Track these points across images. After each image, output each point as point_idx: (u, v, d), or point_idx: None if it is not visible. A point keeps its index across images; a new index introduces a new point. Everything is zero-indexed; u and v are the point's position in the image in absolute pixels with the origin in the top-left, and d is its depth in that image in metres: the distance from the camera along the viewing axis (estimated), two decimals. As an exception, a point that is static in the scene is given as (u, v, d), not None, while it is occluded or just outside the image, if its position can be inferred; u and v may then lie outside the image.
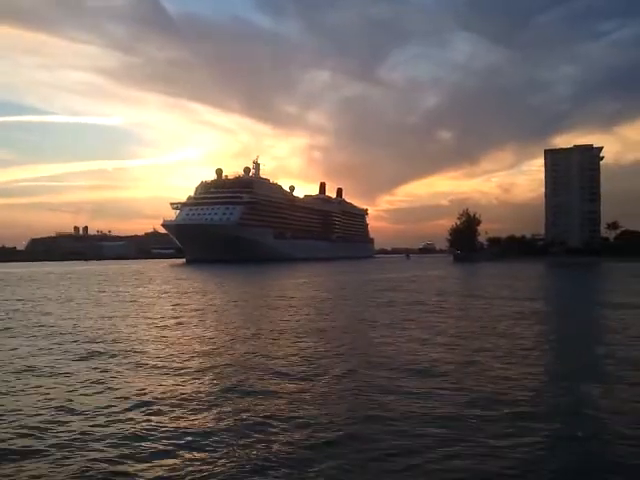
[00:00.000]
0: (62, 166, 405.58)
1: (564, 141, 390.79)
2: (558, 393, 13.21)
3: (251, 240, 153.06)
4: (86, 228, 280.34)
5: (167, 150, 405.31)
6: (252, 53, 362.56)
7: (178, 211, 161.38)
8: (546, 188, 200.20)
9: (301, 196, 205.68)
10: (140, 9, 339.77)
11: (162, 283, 60.75)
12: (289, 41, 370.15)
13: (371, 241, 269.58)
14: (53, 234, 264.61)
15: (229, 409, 11.82)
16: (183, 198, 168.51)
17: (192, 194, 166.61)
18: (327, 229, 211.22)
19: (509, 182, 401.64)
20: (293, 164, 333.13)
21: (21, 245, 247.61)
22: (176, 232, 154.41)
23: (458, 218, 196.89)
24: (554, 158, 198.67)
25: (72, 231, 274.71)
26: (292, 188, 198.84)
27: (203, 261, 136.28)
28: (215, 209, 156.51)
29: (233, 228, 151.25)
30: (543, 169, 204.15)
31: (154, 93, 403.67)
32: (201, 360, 16.83)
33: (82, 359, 17.11)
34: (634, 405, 11.95)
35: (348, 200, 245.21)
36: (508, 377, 14.47)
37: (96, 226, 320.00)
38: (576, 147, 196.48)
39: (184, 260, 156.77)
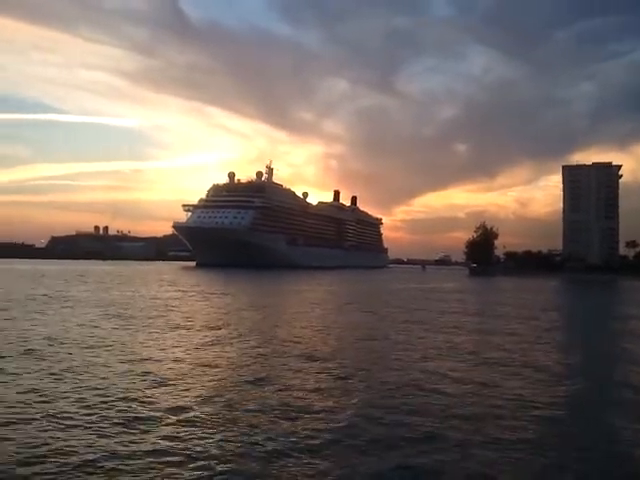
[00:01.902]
0: (79, 165, 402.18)
1: (581, 158, 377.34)
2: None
3: (262, 246, 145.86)
4: (106, 228, 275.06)
5: (184, 153, 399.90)
6: (271, 60, 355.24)
7: (190, 213, 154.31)
8: (564, 204, 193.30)
9: (314, 203, 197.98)
10: (160, 13, 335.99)
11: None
12: (308, 50, 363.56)
13: (385, 251, 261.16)
14: (73, 233, 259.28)
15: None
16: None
17: (204, 197, 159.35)
18: (340, 237, 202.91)
19: (526, 197, 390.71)
20: (309, 171, 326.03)
21: (40, 243, 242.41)
22: (187, 234, 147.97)
23: (475, 231, 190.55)
24: (572, 174, 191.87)
25: (92, 230, 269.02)
26: (305, 194, 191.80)
27: (213, 265, 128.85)
28: (226, 212, 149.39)
29: (244, 232, 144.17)
30: (561, 185, 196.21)
31: (172, 96, 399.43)
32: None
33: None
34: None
35: (363, 209, 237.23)
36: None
37: (116, 226, 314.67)
38: (595, 164, 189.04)
39: (194, 263, 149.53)
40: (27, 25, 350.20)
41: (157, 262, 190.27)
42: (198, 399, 12.83)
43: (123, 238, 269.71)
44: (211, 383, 14.45)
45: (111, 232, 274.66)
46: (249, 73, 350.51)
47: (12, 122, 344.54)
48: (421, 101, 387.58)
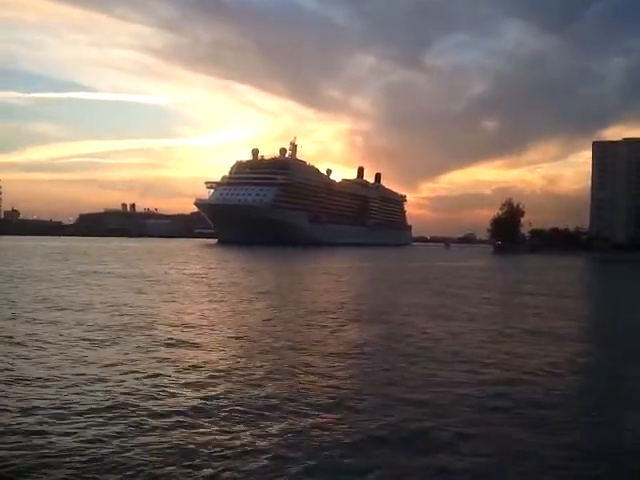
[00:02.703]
0: (110, 143, 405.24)
1: (614, 134, 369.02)
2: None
3: (284, 223, 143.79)
4: (133, 205, 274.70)
5: (213, 131, 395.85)
6: (299, 36, 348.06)
7: (212, 190, 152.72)
8: (592, 181, 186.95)
9: (338, 180, 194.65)
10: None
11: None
12: (335, 25, 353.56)
13: (409, 228, 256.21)
14: (102, 210, 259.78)
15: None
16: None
17: (227, 174, 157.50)
18: (363, 214, 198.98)
19: (554, 173, 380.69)
20: (335, 148, 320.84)
21: (68, 220, 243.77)
22: (209, 212, 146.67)
23: (500, 208, 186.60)
24: (602, 151, 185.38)
25: (120, 208, 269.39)
26: (329, 171, 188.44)
27: (235, 242, 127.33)
28: (249, 190, 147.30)
29: (266, 210, 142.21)
30: (590, 162, 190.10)
31: (202, 74, 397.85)
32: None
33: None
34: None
35: (388, 186, 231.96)
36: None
37: (144, 204, 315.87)
38: (625, 140, 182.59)
39: (216, 240, 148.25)
40: (63, 6, 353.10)
41: (180, 239, 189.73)
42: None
43: (150, 215, 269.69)
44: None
45: (138, 209, 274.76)
46: (277, 50, 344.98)
47: (45, 100, 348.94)
48: (450, 77, 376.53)
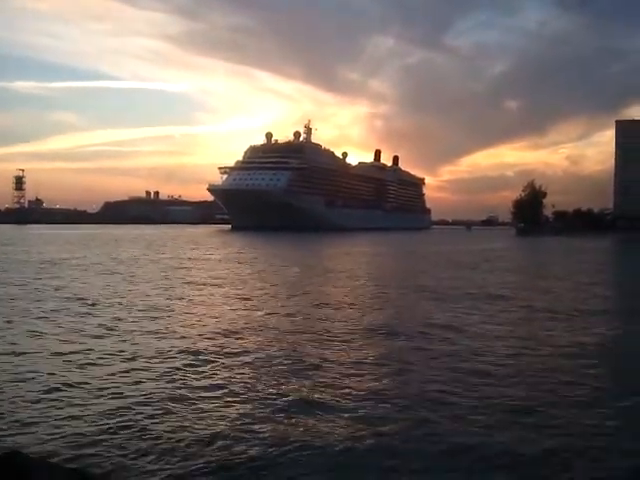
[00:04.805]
0: (131, 131, 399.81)
1: (638, 112, 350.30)
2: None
3: (299, 207, 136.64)
4: (157, 193, 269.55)
5: (232, 117, 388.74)
6: (315, 19, 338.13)
7: (226, 175, 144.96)
8: (616, 160, 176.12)
9: (355, 163, 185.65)
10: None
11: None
12: (352, 7, 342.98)
13: (428, 211, 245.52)
14: (126, 198, 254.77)
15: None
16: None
17: (240, 158, 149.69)
18: (380, 198, 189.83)
19: (578, 154, 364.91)
20: (354, 132, 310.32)
21: (92, 208, 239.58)
22: (222, 197, 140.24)
23: (523, 190, 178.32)
24: (625, 129, 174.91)
25: (144, 195, 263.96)
26: (345, 155, 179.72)
27: (248, 228, 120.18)
28: (262, 174, 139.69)
29: (280, 194, 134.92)
30: (614, 141, 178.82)
31: (219, 60, 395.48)
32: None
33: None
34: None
35: (406, 169, 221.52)
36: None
37: (167, 191, 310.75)
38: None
39: (229, 227, 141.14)
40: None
41: (201, 225, 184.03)
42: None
43: (173, 202, 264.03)
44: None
45: (162, 197, 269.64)
46: (294, 34, 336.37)
47: (67, 90, 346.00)
48: (471, 57, 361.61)
